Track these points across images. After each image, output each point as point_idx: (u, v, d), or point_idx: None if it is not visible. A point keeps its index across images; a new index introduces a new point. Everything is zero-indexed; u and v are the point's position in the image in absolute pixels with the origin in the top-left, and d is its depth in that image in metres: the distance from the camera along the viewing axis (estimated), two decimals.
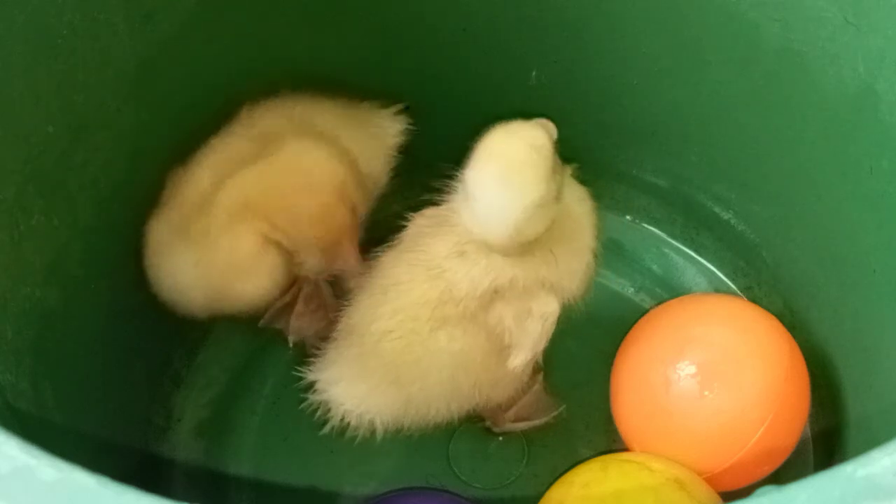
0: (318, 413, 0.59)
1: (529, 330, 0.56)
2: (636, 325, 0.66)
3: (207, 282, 0.62)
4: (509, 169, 0.50)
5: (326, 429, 0.59)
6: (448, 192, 0.57)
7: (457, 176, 0.54)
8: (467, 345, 0.56)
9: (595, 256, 0.58)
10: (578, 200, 0.58)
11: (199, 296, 0.63)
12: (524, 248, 0.53)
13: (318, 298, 0.71)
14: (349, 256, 0.66)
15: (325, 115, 0.67)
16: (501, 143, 0.51)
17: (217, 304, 0.64)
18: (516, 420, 0.69)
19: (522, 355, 0.56)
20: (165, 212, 0.63)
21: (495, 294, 0.55)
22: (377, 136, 0.69)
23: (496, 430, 0.69)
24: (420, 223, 0.59)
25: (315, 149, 0.64)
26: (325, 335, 0.68)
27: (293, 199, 0.63)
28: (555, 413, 0.69)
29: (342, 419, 0.58)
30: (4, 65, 0.48)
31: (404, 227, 0.59)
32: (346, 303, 0.60)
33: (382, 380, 0.57)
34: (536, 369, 0.67)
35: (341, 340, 0.59)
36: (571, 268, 0.57)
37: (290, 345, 0.71)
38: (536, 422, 0.69)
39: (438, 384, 0.57)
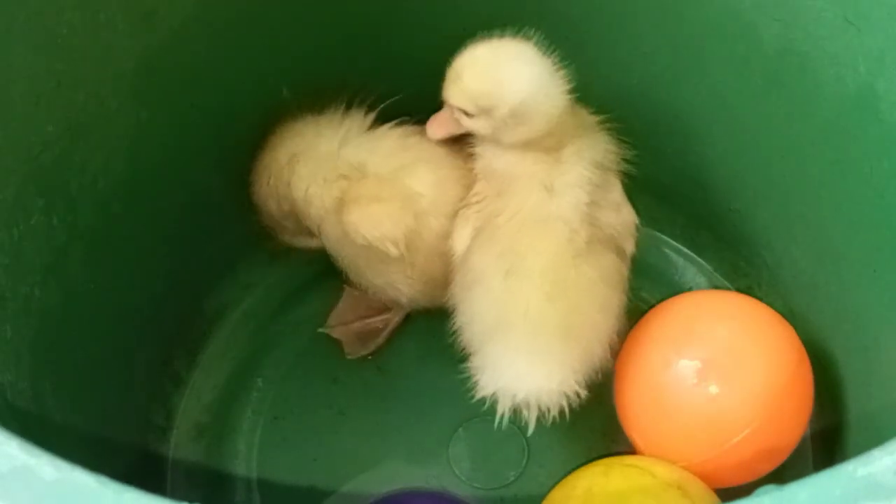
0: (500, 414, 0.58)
1: (628, 218, 0.61)
2: (638, 325, 0.65)
3: None
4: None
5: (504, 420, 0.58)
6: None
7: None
8: (604, 263, 0.58)
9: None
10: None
11: None
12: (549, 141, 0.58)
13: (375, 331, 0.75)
14: None
15: None
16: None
17: None
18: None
19: (632, 241, 0.62)
20: None
21: (593, 205, 0.58)
22: None
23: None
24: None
25: None
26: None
27: None
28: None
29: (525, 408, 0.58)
30: (4, 65, 0.48)
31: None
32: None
33: (558, 346, 0.56)
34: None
35: (497, 338, 0.57)
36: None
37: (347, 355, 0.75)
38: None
39: (601, 314, 0.58)
